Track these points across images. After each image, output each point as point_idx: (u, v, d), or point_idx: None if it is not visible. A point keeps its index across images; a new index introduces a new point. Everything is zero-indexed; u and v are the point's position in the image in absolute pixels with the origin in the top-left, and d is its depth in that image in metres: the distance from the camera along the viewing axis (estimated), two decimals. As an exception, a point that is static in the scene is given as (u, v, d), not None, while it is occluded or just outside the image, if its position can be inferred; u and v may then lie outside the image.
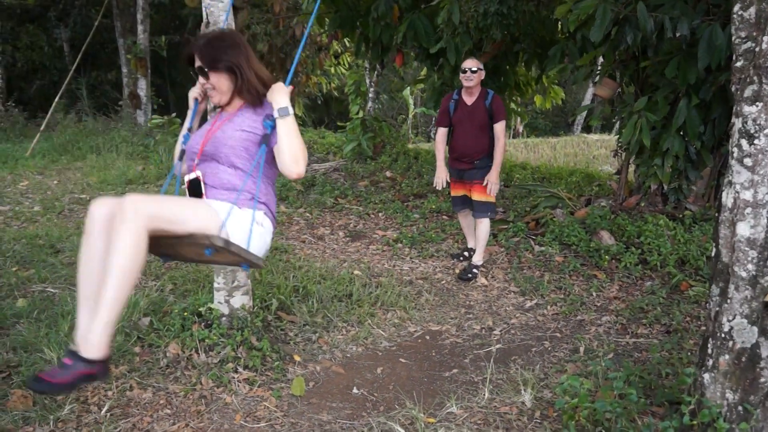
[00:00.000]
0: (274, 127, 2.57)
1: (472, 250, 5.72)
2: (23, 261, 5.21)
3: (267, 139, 2.60)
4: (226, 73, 2.66)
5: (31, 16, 18.59)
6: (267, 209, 2.67)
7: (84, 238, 2.32)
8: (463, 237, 6.10)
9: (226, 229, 2.43)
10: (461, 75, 5.29)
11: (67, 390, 2.27)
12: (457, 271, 5.54)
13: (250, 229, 2.52)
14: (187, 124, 2.88)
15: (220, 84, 2.69)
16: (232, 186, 2.59)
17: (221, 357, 3.69)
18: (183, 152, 2.77)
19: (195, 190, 2.62)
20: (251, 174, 2.59)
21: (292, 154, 2.53)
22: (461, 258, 5.79)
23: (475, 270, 5.45)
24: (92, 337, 2.18)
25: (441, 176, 5.41)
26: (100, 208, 2.30)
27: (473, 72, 5.21)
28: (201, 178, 2.61)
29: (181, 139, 2.83)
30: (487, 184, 5.25)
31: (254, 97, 2.69)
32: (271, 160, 2.67)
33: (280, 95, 2.59)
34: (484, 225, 5.43)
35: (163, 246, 2.42)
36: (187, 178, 2.66)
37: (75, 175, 9.61)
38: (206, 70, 2.67)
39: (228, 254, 2.39)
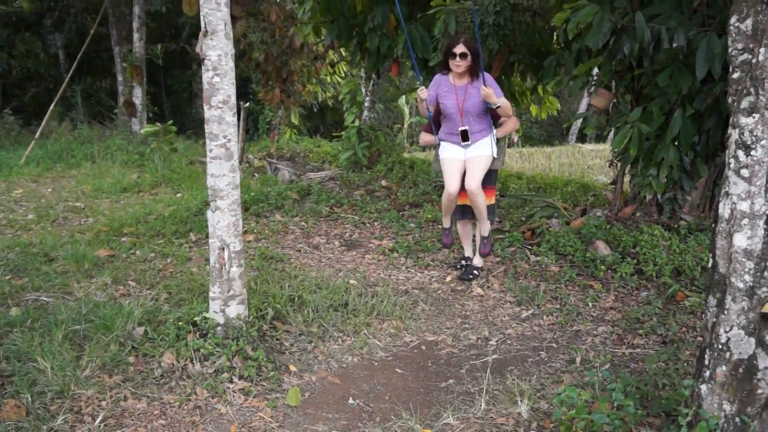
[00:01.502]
0: (489, 107, 5.05)
1: (469, 259, 5.72)
2: (17, 269, 5.19)
3: (489, 111, 5.12)
4: (472, 57, 4.95)
5: (27, 23, 18.59)
6: (494, 136, 5.20)
7: (449, 200, 5.22)
8: (459, 246, 6.09)
9: (494, 157, 5.19)
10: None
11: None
12: (448, 279, 5.54)
13: (497, 144, 5.25)
14: (425, 110, 5.22)
15: (466, 64, 4.95)
16: (480, 129, 5.12)
17: (216, 367, 3.67)
18: (429, 121, 5.34)
19: (465, 135, 5.06)
20: (490, 126, 5.18)
21: (510, 118, 5.26)
22: (459, 267, 5.78)
23: (475, 271, 5.55)
24: (482, 230, 5.30)
25: (426, 138, 5.59)
26: (455, 186, 5.14)
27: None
28: (469, 129, 5.07)
29: (426, 113, 5.27)
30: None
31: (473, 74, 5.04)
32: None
33: (493, 99, 4.90)
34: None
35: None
36: (460, 129, 5.07)
37: (69, 183, 9.58)
38: (466, 53, 4.91)
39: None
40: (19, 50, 18.68)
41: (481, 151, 5.08)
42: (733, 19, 2.75)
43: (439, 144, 5.30)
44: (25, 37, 19.02)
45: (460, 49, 4.89)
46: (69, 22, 16.31)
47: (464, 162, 5.13)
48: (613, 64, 5.77)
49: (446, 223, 5.50)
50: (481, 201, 5.04)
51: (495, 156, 5.14)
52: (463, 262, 5.78)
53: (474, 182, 4.96)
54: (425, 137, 5.57)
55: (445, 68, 5.16)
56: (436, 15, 6.44)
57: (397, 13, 7.35)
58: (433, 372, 3.95)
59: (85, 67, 17.93)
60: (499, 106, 4.93)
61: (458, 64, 4.93)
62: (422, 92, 5.01)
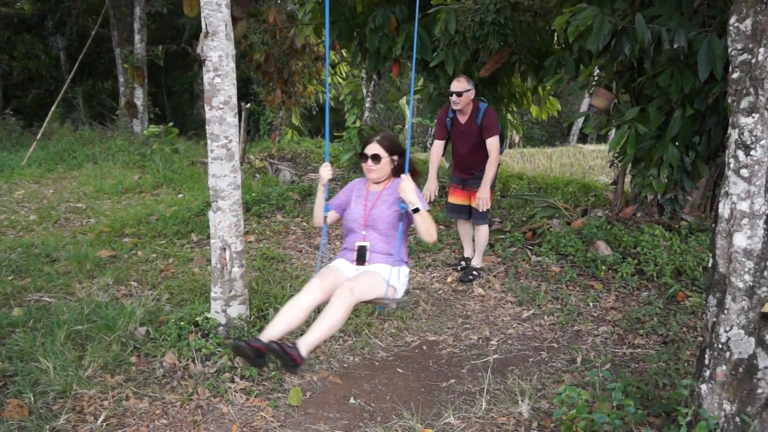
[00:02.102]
0: (407, 209, 3.43)
1: (468, 260, 5.75)
2: (19, 270, 5.20)
3: (403, 217, 3.48)
4: (390, 159, 3.64)
5: (28, 25, 18.62)
6: (406, 264, 3.66)
7: (304, 291, 3.30)
8: (460, 246, 6.10)
9: (392, 286, 3.45)
10: (449, 98, 5.28)
11: (258, 355, 3.03)
12: (449, 279, 5.55)
13: (406, 281, 3.63)
14: (322, 197, 3.70)
15: (384, 168, 3.64)
16: (387, 251, 3.55)
17: (218, 367, 3.68)
18: (325, 218, 3.69)
19: (362, 254, 3.53)
20: (399, 245, 3.52)
21: (429, 233, 3.46)
22: (458, 268, 5.80)
23: (475, 272, 5.56)
24: (307, 340, 3.07)
25: (431, 188, 5.38)
26: (323, 282, 3.33)
27: (459, 95, 5.19)
28: (368, 248, 3.54)
29: (321, 208, 3.69)
30: (480, 198, 5.26)
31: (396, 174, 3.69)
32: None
33: (411, 195, 3.38)
34: (483, 231, 5.54)
35: None
36: (357, 244, 3.56)
37: (71, 184, 9.59)
38: (379, 156, 3.60)
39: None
40: (20, 52, 18.70)
41: (377, 269, 3.48)
42: (732, 20, 2.76)
43: (322, 252, 3.75)
44: (27, 38, 19.04)
45: (372, 149, 3.64)
46: (70, 23, 16.35)
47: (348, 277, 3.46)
48: (614, 65, 5.78)
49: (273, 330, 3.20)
50: (342, 310, 3.17)
51: (390, 284, 3.44)
52: (463, 263, 5.79)
53: (350, 286, 3.22)
54: (317, 213, 3.82)
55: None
56: (437, 15, 6.45)
57: (397, 15, 7.38)
58: (434, 372, 3.96)
59: (87, 69, 17.95)
60: (417, 210, 3.38)
61: (370, 168, 3.64)
62: (325, 169, 3.62)
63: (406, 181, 3.39)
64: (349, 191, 3.79)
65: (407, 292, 3.78)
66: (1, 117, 15.62)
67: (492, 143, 5.22)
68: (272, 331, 3.15)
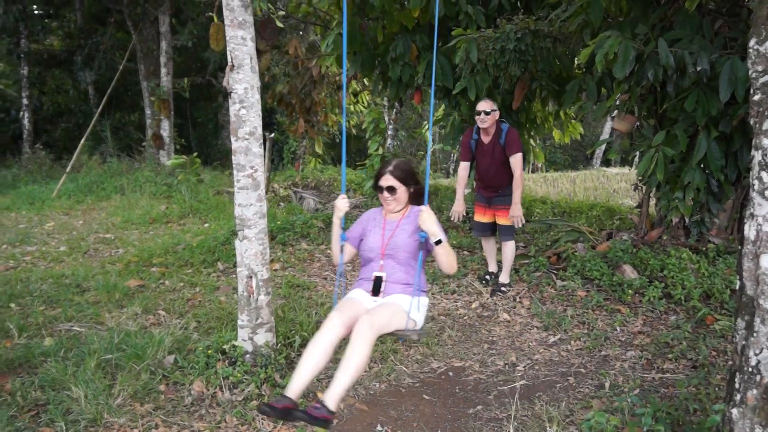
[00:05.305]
0: (427, 239, 3.38)
1: (493, 274, 5.92)
2: (50, 300, 5.29)
3: (423, 246, 3.43)
4: (406, 189, 3.58)
5: (58, 60, 19.15)
6: (425, 294, 3.58)
7: (325, 328, 3.14)
8: (485, 262, 6.24)
9: (412, 318, 3.32)
10: (476, 117, 5.55)
11: (286, 414, 2.87)
12: (474, 306, 5.55)
13: (425, 312, 3.48)
14: (338, 231, 3.58)
15: (401, 198, 3.59)
16: (406, 281, 3.45)
17: (245, 394, 3.71)
18: (342, 248, 3.57)
19: (378, 284, 3.46)
20: (419, 275, 3.47)
21: (449, 264, 3.42)
22: (484, 281, 6.00)
23: (504, 288, 5.74)
24: (333, 392, 2.90)
25: (458, 209, 5.72)
26: (342, 315, 3.19)
27: (487, 114, 5.48)
28: (384, 278, 3.46)
29: (338, 241, 3.57)
30: (510, 218, 5.57)
31: (414, 201, 3.67)
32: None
33: (433, 227, 3.35)
34: (510, 247, 5.77)
35: None
36: (374, 273, 3.49)
37: (100, 215, 9.77)
38: (394, 188, 3.56)
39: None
40: (50, 87, 19.22)
41: (396, 300, 3.37)
42: (752, 42, 2.77)
43: (340, 277, 3.62)
44: (56, 73, 19.58)
45: (386, 181, 3.56)
46: (98, 58, 16.79)
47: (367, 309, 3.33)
48: (638, 89, 5.78)
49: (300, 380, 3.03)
50: (364, 349, 3.02)
51: (411, 317, 3.31)
52: (488, 277, 5.99)
53: (370, 320, 3.08)
54: (334, 248, 3.68)
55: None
56: (457, 44, 6.51)
57: (418, 43, 7.47)
58: (460, 398, 3.94)
59: (114, 102, 18.36)
60: (440, 242, 3.36)
61: (386, 200, 3.59)
62: (342, 202, 3.54)
63: (426, 212, 3.34)
64: (365, 222, 3.69)
65: (428, 320, 3.78)
66: (32, 151, 16.01)
67: (516, 160, 5.48)
68: (299, 382, 2.99)
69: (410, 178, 3.60)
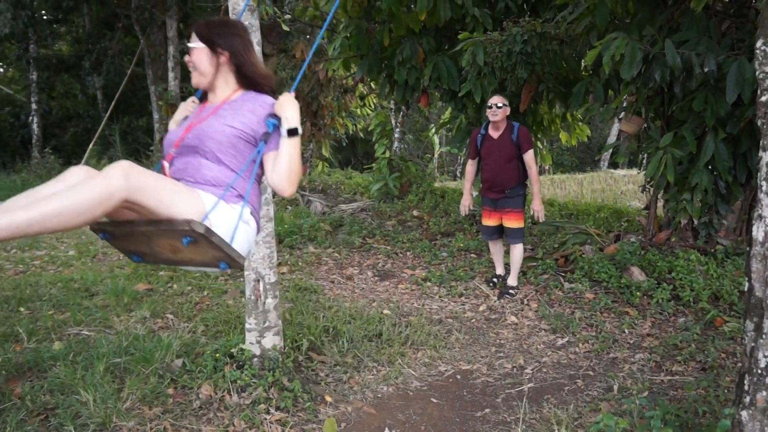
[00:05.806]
0: (276, 129, 2.35)
1: (500, 277, 5.94)
2: (59, 304, 5.32)
3: (266, 138, 2.35)
4: (210, 51, 2.44)
5: (66, 65, 19.25)
6: (254, 209, 2.39)
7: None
8: (492, 265, 6.24)
9: (209, 220, 2.15)
10: (488, 110, 5.61)
11: None
12: (481, 308, 5.55)
13: (236, 225, 2.25)
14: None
15: (201, 62, 2.45)
16: (217, 182, 2.30)
17: (253, 398, 3.71)
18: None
19: None
20: (242, 173, 2.33)
21: (292, 172, 2.32)
22: (491, 284, 6.01)
23: (512, 291, 5.75)
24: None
25: (465, 203, 5.91)
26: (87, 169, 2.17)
27: (499, 107, 5.54)
28: (165, 169, 2.38)
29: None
30: (532, 212, 5.77)
31: (248, 83, 2.52)
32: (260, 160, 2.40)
33: (292, 111, 2.37)
34: (518, 250, 5.80)
35: (137, 239, 2.24)
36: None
37: (108, 219, 9.79)
38: (190, 45, 2.45)
39: (207, 247, 2.10)
40: (58, 91, 19.31)
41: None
42: (759, 43, 2.76)
43: None
44: (65, 78, 19.67)
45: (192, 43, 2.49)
46: (106, 63, 16.88)
47: None
48: (645, 91, 5.77)
49: None
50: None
51: (209, 217, 2.18)
52: (495, 280, 6.02)
53: (127, 168, 2.17)
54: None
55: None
56: (464, 47, 6.51)
57: (424, 47, 7.49)
58: (468, 401, 3.94)
59: (122, 107, 18.43)
60: (295, 132, 2.33)
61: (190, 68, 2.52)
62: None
63: (286, 96, 2.46)
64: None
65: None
66: (41, 155, 16.10)
67: (529, 157, 5.62)
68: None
69: (222, 35, 2.46)
